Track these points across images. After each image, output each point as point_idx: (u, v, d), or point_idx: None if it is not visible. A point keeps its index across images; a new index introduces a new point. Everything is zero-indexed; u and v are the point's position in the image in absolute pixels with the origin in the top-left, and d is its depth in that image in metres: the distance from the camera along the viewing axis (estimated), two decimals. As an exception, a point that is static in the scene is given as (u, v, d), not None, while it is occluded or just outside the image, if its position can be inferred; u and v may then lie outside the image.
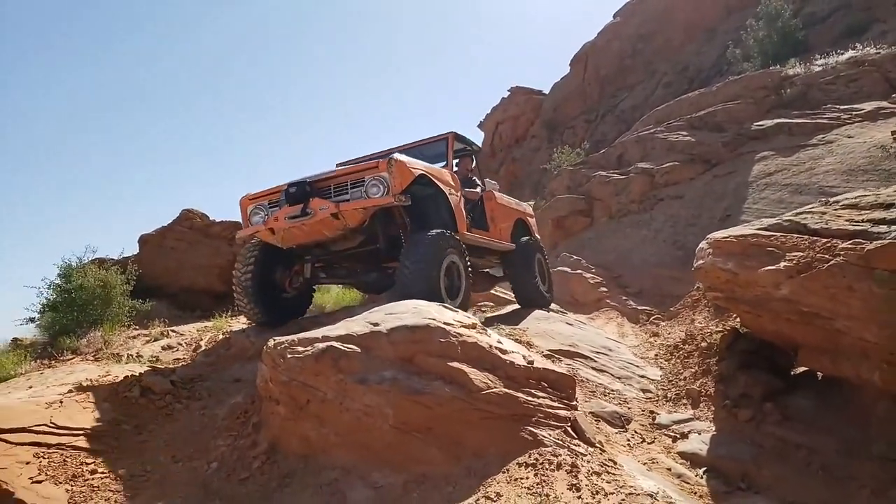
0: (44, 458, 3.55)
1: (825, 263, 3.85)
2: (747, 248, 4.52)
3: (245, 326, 6.75)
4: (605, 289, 10.95)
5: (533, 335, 6.21)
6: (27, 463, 3.45)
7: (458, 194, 6.34)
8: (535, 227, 8.75)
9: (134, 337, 7.27)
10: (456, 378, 3.54)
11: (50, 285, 7.78)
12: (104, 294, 7.72)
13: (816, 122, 11.70)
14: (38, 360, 6.28)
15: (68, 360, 6.33)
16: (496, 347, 3.89)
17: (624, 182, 13.44)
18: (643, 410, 4.91)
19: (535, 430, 3.46)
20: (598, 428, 4.36)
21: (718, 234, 4.90)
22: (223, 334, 6.59)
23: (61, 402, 4.14)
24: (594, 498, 2.94)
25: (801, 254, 4.07)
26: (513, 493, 2.96)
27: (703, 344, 5.72)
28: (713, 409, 4.76)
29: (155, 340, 6.81)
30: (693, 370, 5.43)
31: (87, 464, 3.60)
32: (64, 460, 3.56)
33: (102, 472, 3.57)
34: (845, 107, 11.93)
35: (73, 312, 7.42)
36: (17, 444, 3.56)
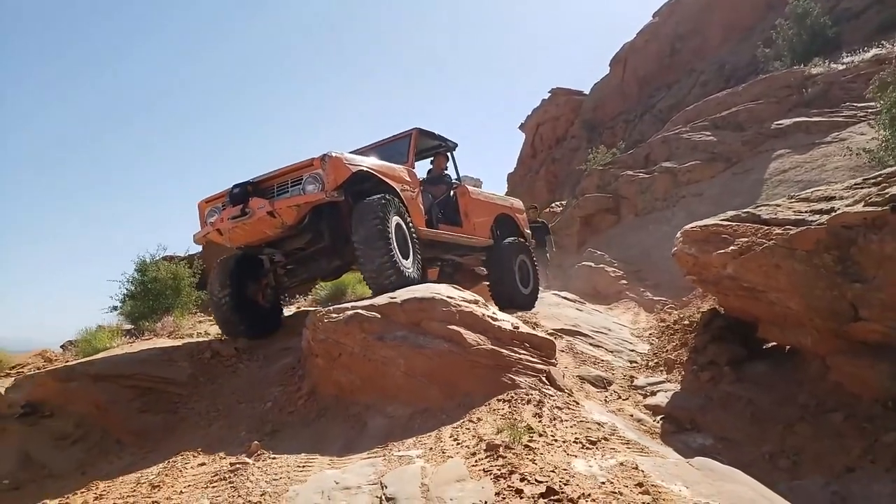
0: (143, 396, 4.70)
1: (760, 246, 4.68)
2: (708, 235, 5.36)
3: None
4: (625, 281, 11.75)
5: (542, 318, 7.14)
6: (132, 399, 4.59)
7: (416, 191, 6.43)
8: (524, 222, 8.59)
9: (201, 322, 8.48)
10: (453, 337, 4.49)
11: (129, 278, 9.04)
12: (175, 285, 8.94)
13: (833, 120, 12.21)
14: (125, 338, 7.52)
15: (149, 339, 7.55)
16: (488, 316, 4.83)
17: (649, 181, 14.16)
18: (625, 375, 5.79)
19: (514, 377, 4.39)
20: (581, 387, 5.27)
21: (689, 226, 5.75)
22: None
23: (150, 360, 5.29)
24: (552, 423, 3.85)
25: (746, 239, 4.90)
26: (490, 418, 3.90)
27: (686, 322, 6.54)
28: (683, 373, 5.60)
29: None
30: (674, 344, 6.27)
31: (175, 402, 4.73)
32: (158, 399, 4.70)
33: (186, 408, 4.70)
34: (862, 104, 12.38)
35: (149, 300, 8.64)
36: (124, 386, 4.71)
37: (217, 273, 6.29)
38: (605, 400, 5.15)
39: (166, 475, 3.65)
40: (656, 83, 30.53)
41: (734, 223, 5.21)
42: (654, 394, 5.28)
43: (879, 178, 4.49)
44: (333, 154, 5.54)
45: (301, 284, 7.04)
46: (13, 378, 5.34)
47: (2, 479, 4.20)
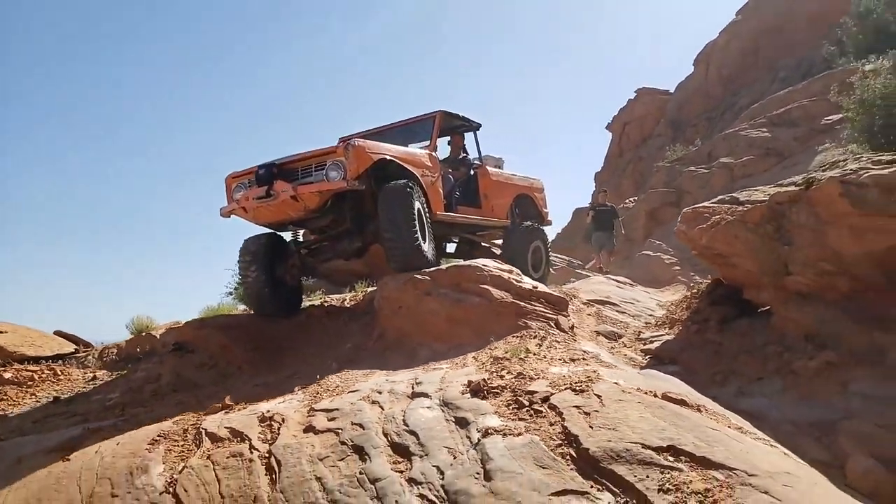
0: (256, 340, 6.54)
1: (724, 221, 5.92)
2: (697, 215, 6.59)
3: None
4: (678, 268, 12.84)
5: (580, 291, 8.51)
6: (247, 342, 6.43)
7: (436, 175, 6.66)
8: (543, 201, 8.75)
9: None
10: (483, 293, 5.99)
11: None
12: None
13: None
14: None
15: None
16: (513, 279, 6.29)
17: (707, 176, 15.07)
18: (635, 331, 7.09)
19: (528, 322, 5.83)
20: (595, 338, 6.64)
21: (686, 209, 6.99)
22: (361, 294, 9.46)
23: (258, 319, 7.12)
24: (547, 349, 5.26)
25: (718, 216, 6.13)
26: (503, 346, 5.35)
27: (696, 291, 7.73)
28: (680, 329, 6.85)
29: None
30: (682, 308, 7.49)
31: (280, 346, 6.52)
32: (267, 343, 6.52)
33: (289, 349, 6.48)
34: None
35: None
36: (241, 333, 6.56)
37: (246, 253, 6.58)
38: (612, 347, 6.50)
39: (278, 385, 5.37)
40: (739, 81, 30.53)
41: (716, 205, 6.41)
42: (652, 342, 6.57)
43: (816, 168, 5.64)
44: (357, 142, 5.81)
45: (325, 263, 7.25)
46: (163, 329, 7.42)
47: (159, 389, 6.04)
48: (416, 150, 6.81)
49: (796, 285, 5.35)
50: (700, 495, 2.59)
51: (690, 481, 2.69)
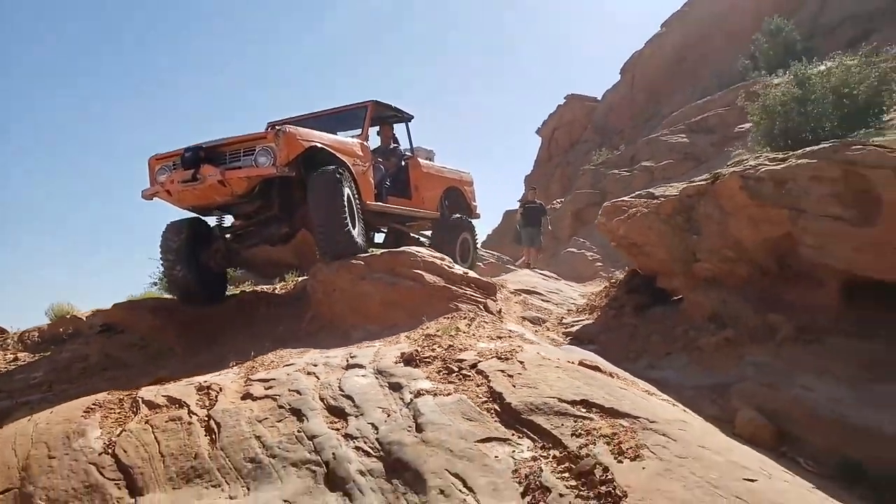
0: (188, 323, 6.58)
1: (639, 213, 6.38)
2: (616, 209, 7.06)
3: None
4: (600, 264, 13.48)
5: (508, 282, 8.90)
6: (179, 324, 6.47)
7: (367, 164, 6.65)
8: (472, 195, 8.85)
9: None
10: (416, 277, 6.24)
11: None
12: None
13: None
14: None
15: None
16: (446, 265, 6.57)
17: (630, 178, 15.84)
18: (559, 318, 7.51)
19: (459, 304, 6.11)
20: (521, 322, 7.00)
21: (606, 203, 7.46)
22: (292, 283, 9.56)
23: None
24: (476, 329, 5.57)
25: (635, 209, 6.60)
26: (435, 326, 5.61)
27: (613, 280, 8.24)
28: (599, 314, 7.31)
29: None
30: (602, 296, 7.96)
31: (212, 328, 6.59)
32: (200, 326, 6.57)
33: (221, 332, 6.55)
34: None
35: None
36: (173, 315, 6.60)
37: (169, 238, 6.45)
38: (536, 330, 6.87)
39: (213, 364, 5.46)
40: (663, 91, 31.96)
41: (633, 199, 6.91)
42: (573, 326, 6.99)
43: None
44: (288, 129, 5.76)
45: (250, 249, 7.05)
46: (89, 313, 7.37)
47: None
48: (348, 138, 6.81)
49: (703, 272, 5.87)
50: (607, 438, 2.92)
51: (600, 428, 3.03)
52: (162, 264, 6.64)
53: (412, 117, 8.14)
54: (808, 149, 5.74)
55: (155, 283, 11.42)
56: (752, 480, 2.66)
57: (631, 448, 2.81)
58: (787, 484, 2.99)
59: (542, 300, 8.35)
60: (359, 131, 7.00)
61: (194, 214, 6.70)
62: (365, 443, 3.19)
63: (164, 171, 5.98)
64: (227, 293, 7.49)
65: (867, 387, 4.48)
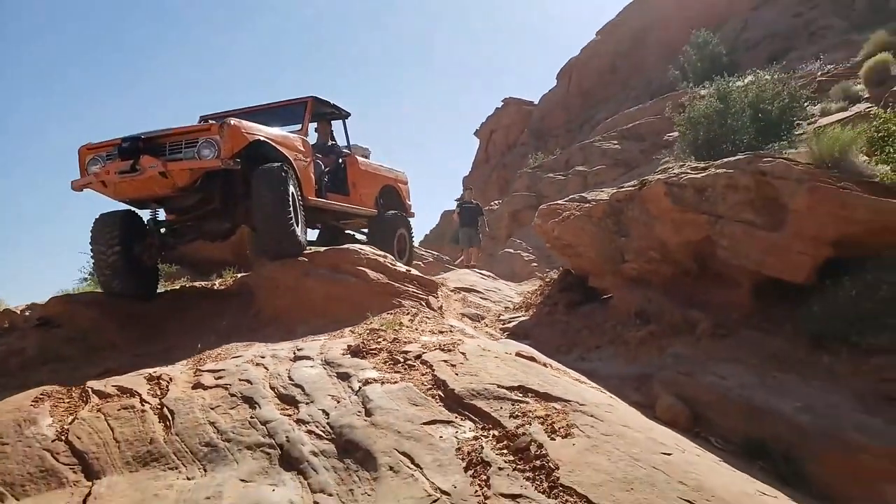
0: (128, 318, 6.57)
1: (573, 216, 6.77)
2: (551, 211, 7.43)
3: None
4: (535, 265, 13.95)
5: (448, 280, 9.16)
6: (119, 318, 6.46)
7: (308, 160, 6.64)
8: (407, 193, 8.92)
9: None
10: (360, 274, 6.43)
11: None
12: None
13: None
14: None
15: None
16: (388, 262, 6.78)
17: (564, 182, 16.40)
18: (496, 314, 7.83)
19: (402, 301, 6.34)
20: (460, 319, 7.28)
21: (542, 206, 7.84)
22: (231, 280, 9.57)
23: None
24: (419, 324, 5.81)
25: (568, 212, 6.98)
26: (378, 321, 5.81)
27: (548, 280, 8.64)
28: (534, 311, 7.67)
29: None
30: (537, 295, 8.34)
31: (154, 322, 6.60)
32: (140, 320, 6.57)
33: (163, 326, 6.56)
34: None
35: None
36: (112, 309, 6.58)
37: (102, 230, 6.22)
38: (475, 326, 7.17)
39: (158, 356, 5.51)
40: (597, 97, 33.04)
41: (567, 202, 7.30)
42: (510, 322, 7.33)
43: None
44: (232, 122, 5.67)
45: (188, 243, 6.94)
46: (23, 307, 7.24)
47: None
48: (290, 133, 6.78)
49: (630, 271, 6.30)
50: (541, 418, 3.23)
51: (535, 410, 3.33)
52: (92, 257, 6.41)
53: (349, 114, 8.19)
54: (725, 159, 6.25)
55: (85, 279, 11.17)
56: (667, 454, 3.02)
57: (562, 427, 3.12)
58: (698, 457, 3.37)
59: (481, 298, 8.66)
60: (298, 127, 7.02)
61: (127, 207, 6.49)
62: (317, 427, 3.39)
63: (97, 161, 5.76)
64: (159, 289, 7.34)
65: (772, 375, 4.98)
